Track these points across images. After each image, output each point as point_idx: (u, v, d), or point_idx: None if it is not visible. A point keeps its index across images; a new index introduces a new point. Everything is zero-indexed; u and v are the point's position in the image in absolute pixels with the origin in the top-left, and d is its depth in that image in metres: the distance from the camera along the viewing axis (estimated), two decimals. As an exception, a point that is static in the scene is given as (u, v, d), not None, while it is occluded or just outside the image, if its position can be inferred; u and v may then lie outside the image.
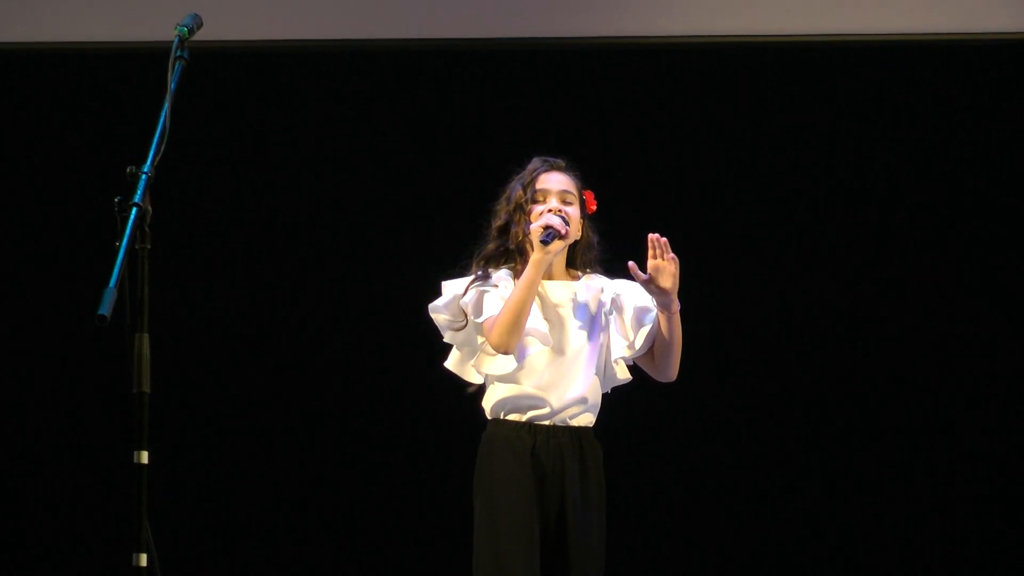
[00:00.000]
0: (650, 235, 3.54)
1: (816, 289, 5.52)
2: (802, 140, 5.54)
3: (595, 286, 3.70)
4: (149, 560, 2.77)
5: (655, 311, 3.64)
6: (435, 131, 5.59)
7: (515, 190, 3.70)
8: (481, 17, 5.48)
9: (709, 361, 5.45)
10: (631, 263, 3.54)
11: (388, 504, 5.52)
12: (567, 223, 3.58)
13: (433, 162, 5.57)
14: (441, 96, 5.60)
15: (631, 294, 3.69)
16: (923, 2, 5.39)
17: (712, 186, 5.56)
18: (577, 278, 3.72)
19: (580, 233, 3.70)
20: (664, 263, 3.52)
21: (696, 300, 5.49)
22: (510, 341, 3.51)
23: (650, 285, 3.54)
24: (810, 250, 5.53)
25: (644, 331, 3.66)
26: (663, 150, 5.56)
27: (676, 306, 3.60)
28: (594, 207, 3.74)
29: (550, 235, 3.52)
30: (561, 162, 3.73)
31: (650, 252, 3.53)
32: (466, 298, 3.62)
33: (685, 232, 5.48)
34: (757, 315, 5.52)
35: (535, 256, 3.52)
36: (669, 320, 3.60)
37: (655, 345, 3.66)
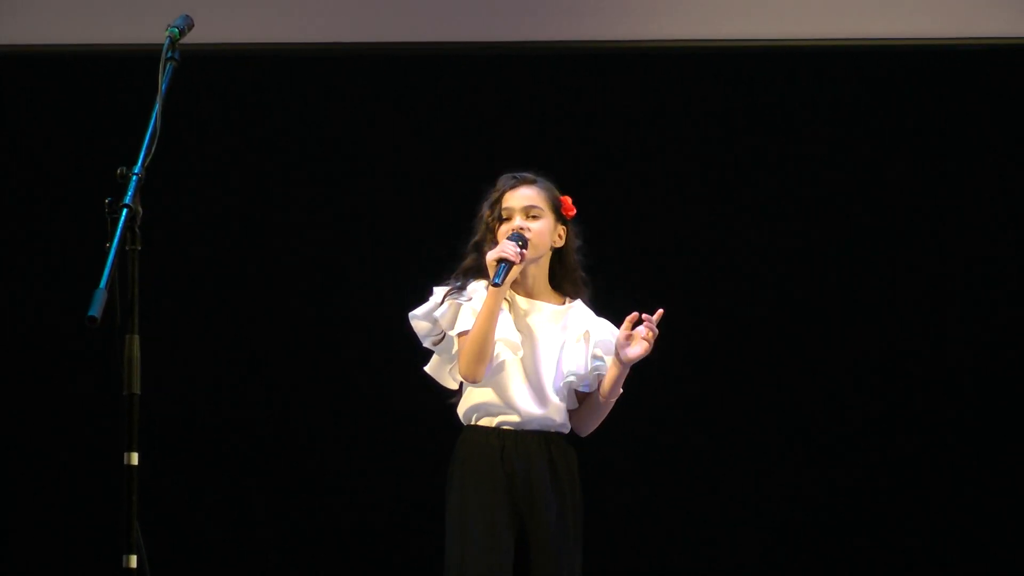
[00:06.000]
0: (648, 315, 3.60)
1: (810, 290, 5.52)
2: (797, 144, 5.54)
3: (575, 317, 3.73)
4: (139, 561, 2.77)
5: (608, 359, 3.69)
6: (428, 135, 5.59)
7: (484, 209, 3.74)
8: (474, 21, 5.48)
9: (702, 364, 5.47)
10: (634, 314, 3.59)
11: (379, 506, 5.52)
12: (523, 244, 3.59)
13: (424, 165, 5.57)
14: (434, 100, 5.60)
15: (603, 335, 3.72)
16: (917, 7, 5.40)
17: (706, 190, 5.56)
18: (561, 302, 3.74)
19: (559, 241, 3.73)
20: (643, 338, 3.59)
21: (692, 301, 5.55)
22: (476, 370, 3.58)
23: (623, 340, 3.60)
24: (804, 252, 5.53)
25: (595, 372, 3.70)
26: (657, 155, 5.56)
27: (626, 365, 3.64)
28: (572, 212, 3.75)
29: (500, 271, 3.54)
30: (529, 176, 3.74)
31: (641, 316, 3.60)
32: (440, 311, 3.66)
33: (679, 234, 5.55)
34: (750, 316, 5.52)
35: (495, 288, 3.56)
36: (616, 375, 3.64)
37: (589, 397, 3.72)
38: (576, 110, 5.58)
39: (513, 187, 3.71)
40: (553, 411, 3.66)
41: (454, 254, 3.77)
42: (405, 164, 5.59)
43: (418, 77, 5.61)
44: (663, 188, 5.55)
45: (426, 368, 3.78)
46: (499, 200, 3.70)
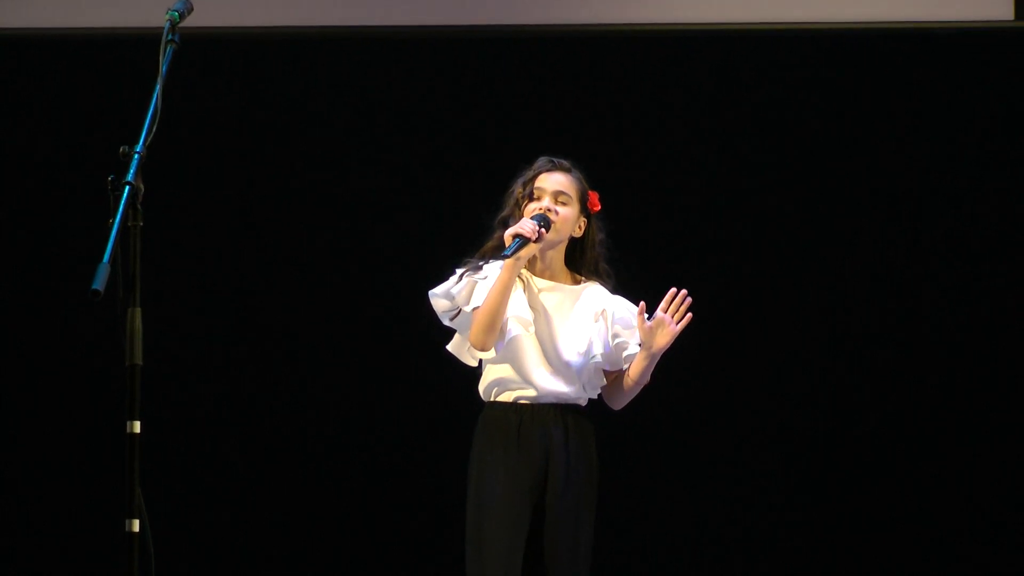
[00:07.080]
0: (675, 290, 3.68)
1: (812, 282, 5.53)
2: (791, 131, 5.54)
3: (590, 296, 3.81)
4: (141, 526, 2.84)
5: (635, 342, 3.76)
6: (429, 120, 5.60)
7: (516, 186, 3.85)
8: (474, 4, 5.52)
9: (713, 356, 5.48)
10: (642, 304, 3.68)
11: (383, 479, 5.56)
12: (545, 225, 3.70)
13: (424, 150, 5.58)
14: (436, 84, 5.61)
15: (621, 312, 3.80)
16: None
17: (705, 179, 5.57)
18: (578, 282, 3.84)
19: (579, 232, 3.82)
20: (669, 327, 3.67)
21: (697, 292, 5.52)
22: (486, 341, 3.68)
23: (646, 332, 3.68)
24: (794, 243, 5.54)
25: (624, 353, 3.78)
26: (659, 141, 5.56)
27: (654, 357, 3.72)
28: (597, 207, 3.86)
29: (513, 246, 3.65)
30: (565, 163, 3.86)
31: (665, 303, 3.68)
32: (456, 287, 3.76)
33: (679, 223, 5.56)
34: (755, 308, 5.54)
35: (507, 260, 3.66)
36: (645, 362, 3.72)
37: (619, 375, 3.80)
38: (572, 95, 5.59)
39: (549, 170, 3.83)
40: (570, 385, 3.75)
41: (482, 229, 3.85)
42: (402, 147, 5.61)
43: (422, 61, 5.61)
44: (659, 181, 5.58)
45: (448, 347, 3.86)
46: (533, 179, 3.82)
